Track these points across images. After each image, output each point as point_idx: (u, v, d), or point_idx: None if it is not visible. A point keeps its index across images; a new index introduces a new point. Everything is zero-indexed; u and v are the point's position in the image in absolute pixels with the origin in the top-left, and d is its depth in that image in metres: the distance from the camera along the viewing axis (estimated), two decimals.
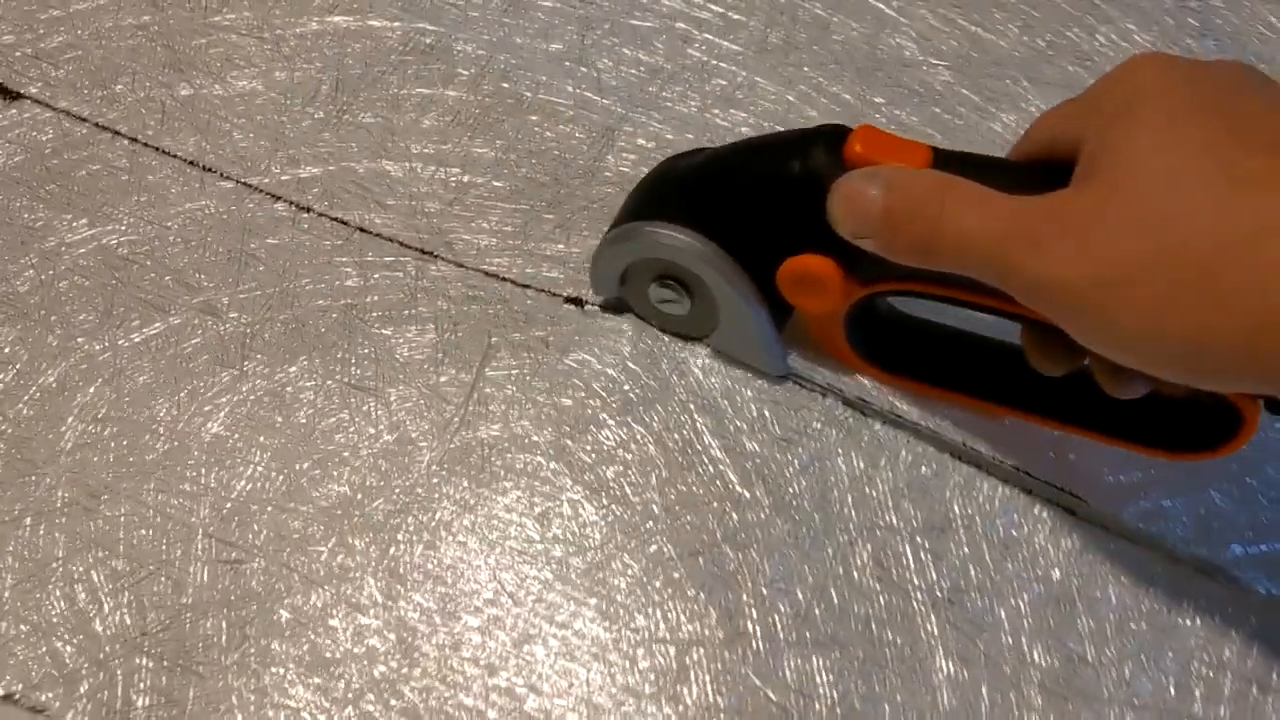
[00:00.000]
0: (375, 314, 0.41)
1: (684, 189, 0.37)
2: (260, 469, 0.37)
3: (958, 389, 0.38)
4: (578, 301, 0.41)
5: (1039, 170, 0.31)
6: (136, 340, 0.40)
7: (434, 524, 0.37)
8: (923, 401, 0.38)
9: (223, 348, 0.40)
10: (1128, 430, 0.36)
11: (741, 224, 0.36)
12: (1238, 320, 0.26)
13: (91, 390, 0.39)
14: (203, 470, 0.37)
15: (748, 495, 0.37)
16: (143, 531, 0.36)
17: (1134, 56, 0.30)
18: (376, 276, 0.41)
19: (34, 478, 0.37)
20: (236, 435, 0.38)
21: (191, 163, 0.44)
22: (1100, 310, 0.27)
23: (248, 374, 0.39)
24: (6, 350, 0.39)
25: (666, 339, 0.40)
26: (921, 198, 0.30)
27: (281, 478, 0.37)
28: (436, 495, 0.37)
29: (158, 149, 0.44)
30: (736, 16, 0.49)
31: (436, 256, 0.42)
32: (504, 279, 0.41)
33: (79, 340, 0.40)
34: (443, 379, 0.39)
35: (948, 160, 0.32)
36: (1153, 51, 0.31)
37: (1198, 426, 0.34)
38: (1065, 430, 0.37)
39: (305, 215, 0.43)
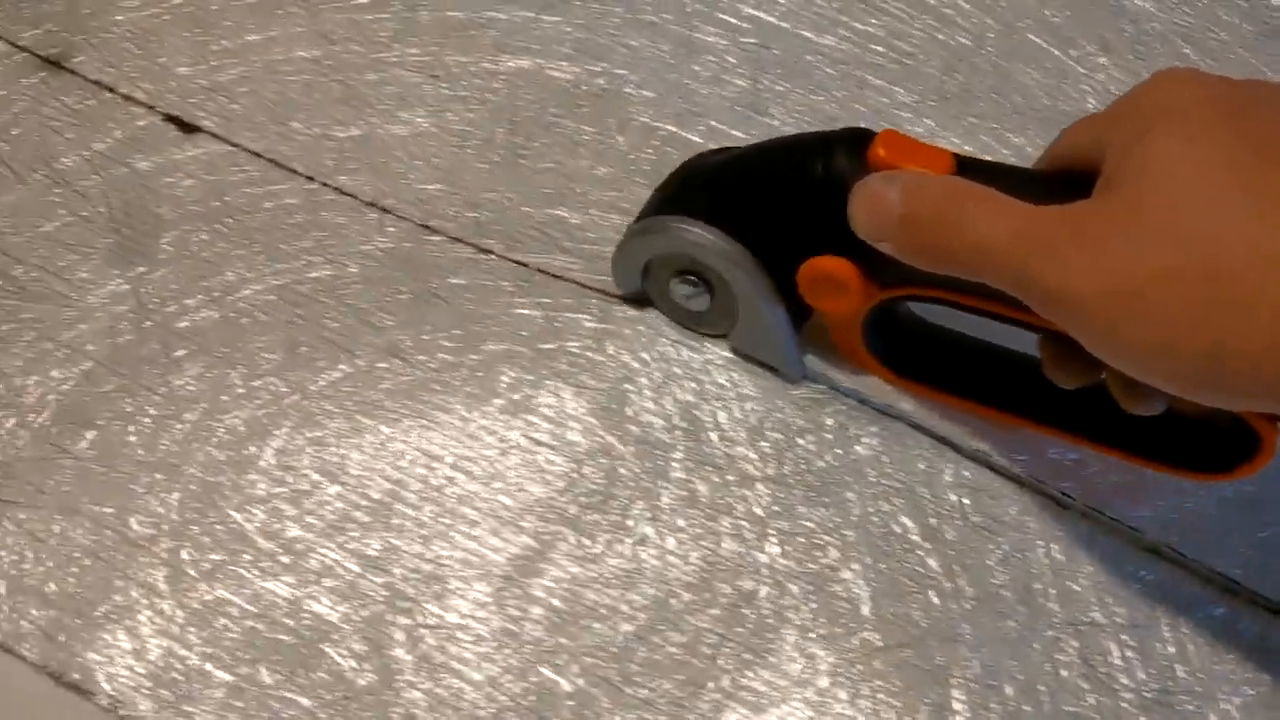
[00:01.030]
0: (564, 360, 0.39)
1: (708, 186, 0.37)
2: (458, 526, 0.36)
3: (973, 397, 0.38)
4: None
5: (1061, 181, 0.30)
6: (324, 383, 0.38)
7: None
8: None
9: (411, 393, 0.39)
10: (1143, 447, 0.35)
11: (763, 222, 0.35)
12: (1257, 339, 0.25)
13: (282, 434, 0.37)
14: (402, 522, 0.36)
15: (950, 585, 0.36)
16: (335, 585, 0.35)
17: (1161, 71, 0.30)
18: (561, 321, 0.40)
19: (225, 524, 0.36)
20: (436, 486, 0.37)
21: (370, 203, 0.43)
22: (1116, 323, 0.27)
23: (439, 423, 0.38)
24: (191, 387, 0.38)
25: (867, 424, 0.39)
26: (941, 203, 0.30)
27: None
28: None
29: (335, 188, 0.43)
30: (912, 63, 0.47)
31: (622, 299, 0.41)
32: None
33: (266, 379, 0.39)
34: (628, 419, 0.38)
35: (970, 167, 0.31)
36: (1181, 66, 0.30)
37: (1215, 447, 0.34)
38: (1079, 445, 0.36)
39: (487, 258, 0.42)
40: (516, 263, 0.41)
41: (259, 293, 0.40)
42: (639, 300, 0.41)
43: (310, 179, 0.43)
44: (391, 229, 0.42)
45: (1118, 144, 0.28)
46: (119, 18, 0.47)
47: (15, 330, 0.39)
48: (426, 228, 0.42)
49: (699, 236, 0.36)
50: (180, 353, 0.39)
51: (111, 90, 0.45)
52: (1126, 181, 0.27)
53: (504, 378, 0.39)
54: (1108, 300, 0.27)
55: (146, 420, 0.38)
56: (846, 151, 0.33)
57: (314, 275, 0.41)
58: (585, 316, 0.40)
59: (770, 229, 0.35)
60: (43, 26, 0.46)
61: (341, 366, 0.39)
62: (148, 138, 0.44)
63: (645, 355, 0.40)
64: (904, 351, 0.38)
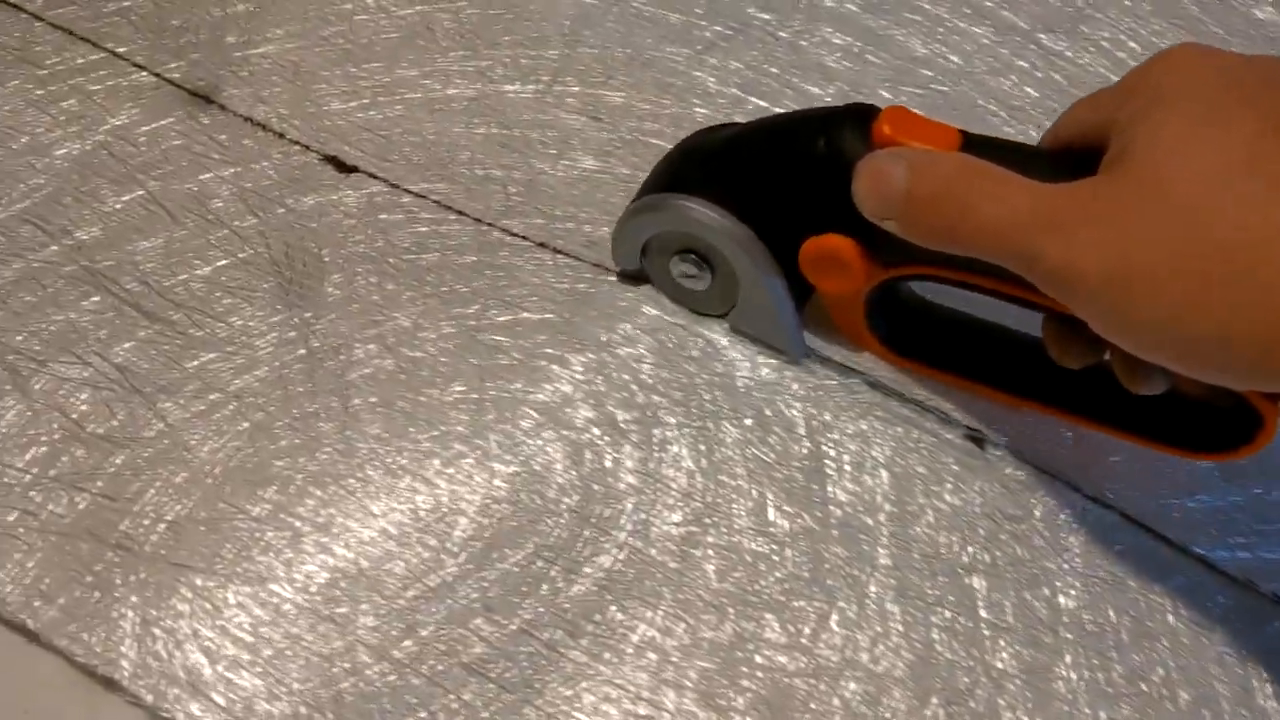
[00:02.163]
0: (750, 418, 0.36)
1: (709, 163, 0.36)
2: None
3: (974, 377, 0.36)
4: (977, 440, 0.36)
5: (1068, 158, 0.29)
6: (522, 432, 0.35)
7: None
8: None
9: (611, 438, 0.35)
10: (1146, 428, 0.34)
11: (765, 200, 0.34)
12: (1265, 316, 0.24)
13: (480, 503, 0.34)
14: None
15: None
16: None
17: (1171, 47, 0.28)
18: (744, 377, 0.37)
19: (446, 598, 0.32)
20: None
21: (541, 244, 0.40)
22: (1121, 302, 0.26)
23: (660, 477, 0.34)
24: (372, 443, 0.35)
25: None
26: (946, 181, 0.28)
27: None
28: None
29: (503, 229, 0.40)
30: None
31: (824, 359, 0.37)
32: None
33: (457, 428, 0.35)
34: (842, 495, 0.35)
35: (976, 145, 0.30)
36: (1191, 42, 0.29)
37: (1217, 427, 0.33)
38: (1082, 425, 0.35)
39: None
40: (700, 314, 0.38)
41: (436, 339, 0.37)
42: (637, 278, 0.39)
43: (478, 220, 0.40)
44: (566, 271, 0.39)
45: (1125, 121, 0.27)
46: (265, 50, 0.44)
47: (180, 379, 0.35)
48: (603, 267, 0.39)
49: (700, 214, 0.34)
50: (357, 402, 0.35)
51: (264, 127, 0.42)
52: (1135, 158, 0.26)
53: (734, 435, 0.36)
54: (1115, 278, 0.26)
55: (327, 479, 0.34)
56: (851, 128, 0.31)
57: (493, 319, 0.37)
58: (765, 368, 0.37)
59: (772, 207, 0.34)
60: (188, 58, 0.43)
61: (535, 416, 0.35)
62: (304, 177, 0.41)
63: (853, 430, 0.36)
64: (906, 331, 0.37)
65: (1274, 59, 0.28)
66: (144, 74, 0.43)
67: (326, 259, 0.39)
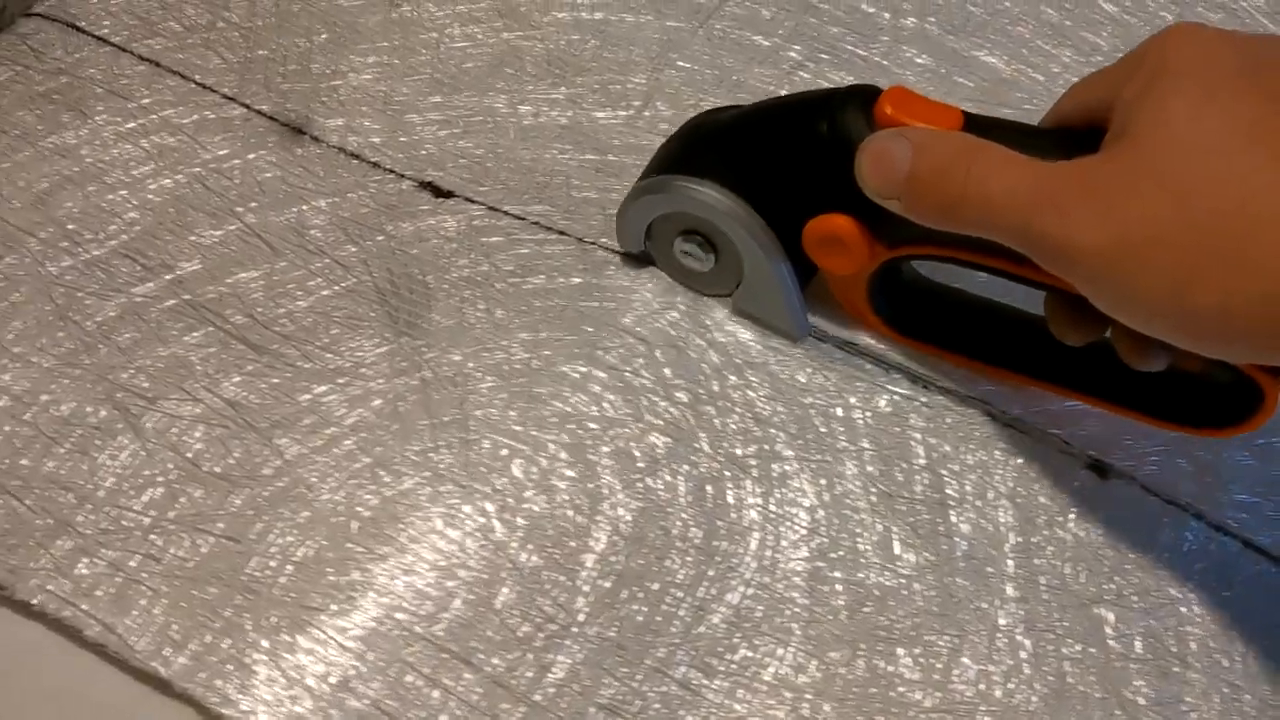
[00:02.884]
0: (868, 451, 0.35)
1: (713, 145, 0.35)
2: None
3: (979, 356, 0.36)
4: (1099, 469, 0.35)
5: (1070, 136, 0.29)
6: (642, 467, 0.34)
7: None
8: None
9: (732, 473, 0.34)
10: (1148, 404, 0.34)
11: (769, 181, 0.34)
12: (1265, 287, 0.24)
13: (607, 540, 0.33)
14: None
15: None
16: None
17: (1172, 25, 0.28)
18: (883, 399, 0.35)
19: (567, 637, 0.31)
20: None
21: (650, 262, 0.38)
22: (1123, 276, 0.26)
23: (783, 512, 0.33)
24: (506, 481, 0.33)
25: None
26: (948, 159, 0.28)
27: None
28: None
29: (608, 248, 0.38)
30: None
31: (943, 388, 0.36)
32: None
33: (601, 467, 0.34)
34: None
35: (978, 124, 0.30)
36: (1191, 22, 0.29)
37: (1218, 402, 0.32)
38: (1085, 402, 0.35)
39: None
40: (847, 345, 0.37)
41: (549, 367, 0.36)
42: (641, 260, 0.38)
43: (580, 239, 0.39)
44: (675, 296, 0.37)
45: (1127, 99, 0.27)
46: (354, 80, 0.43)
47: (293, 414, 0.34)
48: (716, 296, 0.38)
49: (704, 195, 0.34)
50: (475, 435, 0.34)
51: (357, 157, 0.41)
52: (1136, 135, 0.26)
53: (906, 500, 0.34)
54: (1116, 252, 0.25)
55: (451, 515, 0.33)
56: (853, 109, 0.31)
57: (606, 343, 0.36)
58: (883, 399, 0.36)
59: (776, 188, 0.33)
60: (277, 90, 0.42)
61: (685, 468, 0.34)
62: (401, 204, 0.39)
63: (974, 461, 0.35)
64: (909, 311, 0.36)
65: (1274, 37, 0.27)
66: (234, 106, 0.42)
67: (431, 285, 0.37)
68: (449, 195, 0.40)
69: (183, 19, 0.44)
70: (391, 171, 0.40)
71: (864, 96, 0.31)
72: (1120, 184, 0.26)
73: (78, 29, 0.44)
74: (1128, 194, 0.25)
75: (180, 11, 0.44)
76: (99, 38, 0.44)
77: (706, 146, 0.35)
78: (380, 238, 0.39)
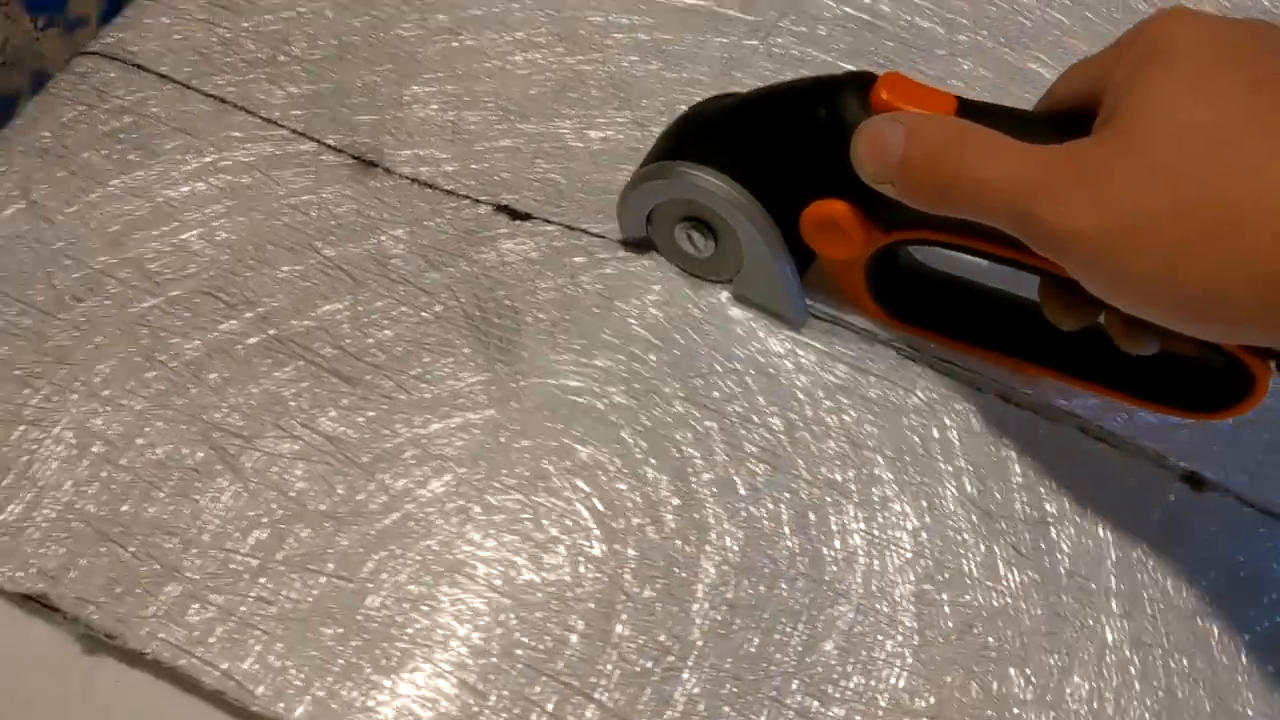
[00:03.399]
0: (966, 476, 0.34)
1: (713, 131, 0.35)
2: None
3: (975, 342, 0.36)
4: (1195, 482, 0.34)
5: (1063, 120, 0.29)
6: (745, 495, 0.33)
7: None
8: None
9: (833, 498, 0.33)
10: (1140, 388, 0.34)
11: (767, 167, 0.34)
12: (1254, 268, 0.24)
13: (716, 571, 0.32)
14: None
15: None
16: None
17: (1164, 10, 0.28)
18: (975, 418, 0.35)
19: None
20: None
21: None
22: (1114, 261, 0.25)
23: (887, 536, 0.33)
24: (610, 515, 0.33)
25: None
26: (942, 144, 0.28)
27: None
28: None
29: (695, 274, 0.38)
30: None
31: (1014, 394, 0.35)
32: None
33: (710, 507, 0.33)
34: None
35: (973, 110, 0.30)
36: (1182, 6, 0.29)
37: (1210, 386, 0.33)
38: (1080, 386, 0.35)
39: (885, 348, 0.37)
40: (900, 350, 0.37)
41: (648, 389, 0.35)
42: (641, 246, 0.38)
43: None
44: (768, 321, 0.37)
45: (1118, 83, 0.27)
46: (422, 112, 0.42)
47: (395, 448, 0.33)
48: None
49: (703, 181, 0.34)
50: (588, 473, 0.33)
51: (431, 186, 0.40)
52: (1126, 118, 0.26)
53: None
54: (1107, 235, 0.25)
55: (582, 556, 0.32)
56: (850, 94, 0.31)
57: (700, 366, 0.36)
58: (975, 418, 0.35)
59: (774, 173, 0.34)
60: (345, 123, 0.41)
61: (785, 498, 0.33)
62: (479, 228, 0.39)
63: (1073, 479, 0.34)
64: (906, 296, 0.36)
65: (1264, 23, 0.27)
66: (304, 141, 0.41)
67: (519, 308, 0.37)
68: (527, 217, 0.39)
69: (243, 54, 0.43)
70: (466, 197, 0.40)
71: (860, 82, 0.31)
72: (1109, 167, 0.25)
73: (138, 67, 0.43)
74: (1116, 177, 0.25)
75: (240, 46, 0.44)
76: (160, 75, 0.43)
77: (706, 133, 0.35)
78: (462, 263, 0.38)
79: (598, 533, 0.32)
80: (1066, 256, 0.26)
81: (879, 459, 0.34)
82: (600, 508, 0.33)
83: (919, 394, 0.36)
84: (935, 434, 0.35)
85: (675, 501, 0.33)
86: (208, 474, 0.33)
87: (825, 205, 0.32)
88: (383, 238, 0.39)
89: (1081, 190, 0.26)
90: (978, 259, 0.32)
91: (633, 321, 0.37)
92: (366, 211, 0.39)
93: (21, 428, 0.34)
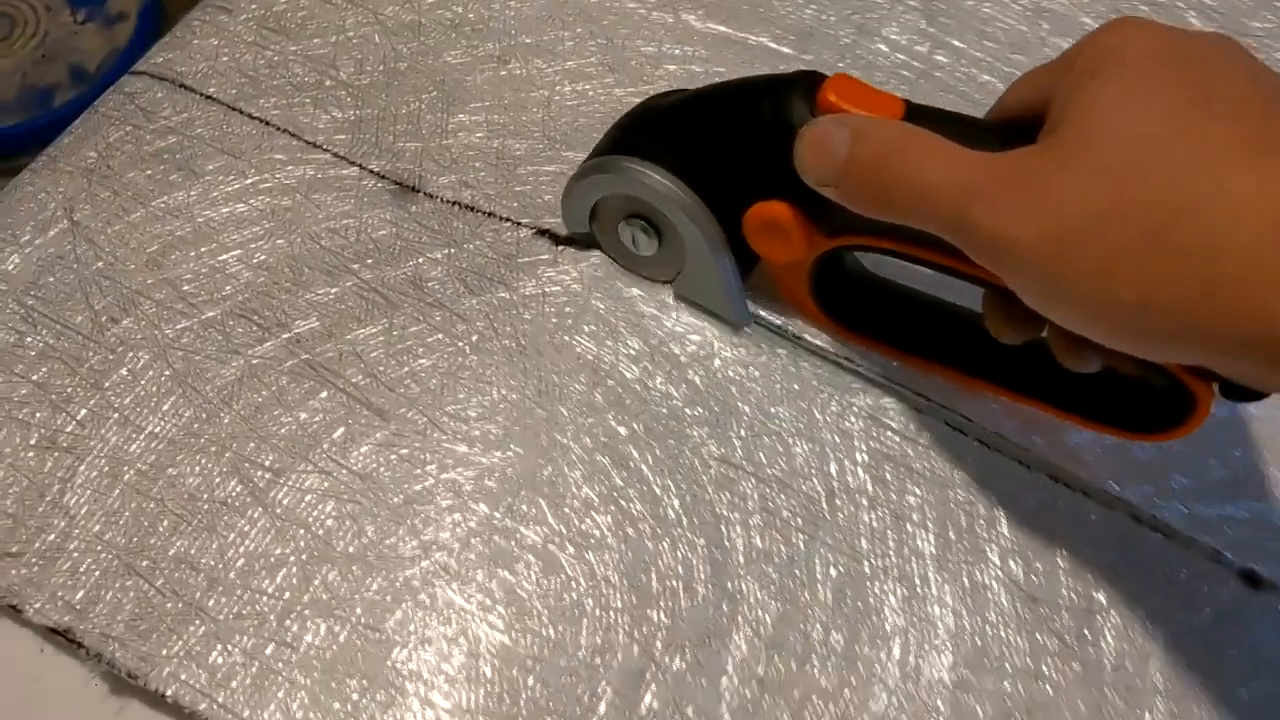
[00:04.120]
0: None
1: (658, 127, 0.34)
2: None
3: (917, 353, 0.34)
4: (1252, 580, 0.32)
5: (1009, 129, 0.28)
6: (781, 565, 0.31)
7: None
8: None
9: (870, 573, 0.31)
10: (1083, 406, 0.33)
11: (711, 166, 0.33)
12: (1185, 282, 0.23)
13: (748, 645, 0.30)
14: None
15: None
16: None
17: (1115, 19, 0.27)
18: (1030, 499, 0.32)
19: None
20: None
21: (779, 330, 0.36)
22: (1048, 270, 0.25)
23: (925, 616, 0.30)
24: (643, 578, 0.31)
25: None
26: (884, 147, 0.27)
27: None
28: None
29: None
30: None
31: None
32: None
33: (745, 580, 0.31)
34: None
35: (920, 114, 0.29)
36: (1131, 15, 0.27)
37: (1153, 406, 0.31)
38: (1021, 403, 0.33)
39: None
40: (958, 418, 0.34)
41: (692, 447, 0.33)
42: (585, 242, 0.37)
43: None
44: (809, 382, 0.35)
45: (1063, 91, 0.26)
46: (466, 139, 0.40)
47: (429, 490, 0.31)
48: (854, 372, 0.35)
49: (645, 177, 0.33)
50: (628, 530, 0.31)
51: (472, 209, 0.38)
52: (1069, 128, 0.25)
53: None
54: (1042, 245, 0.24)
55: (613, 620, 0.30)
56: (796, 95, 0.30)
57: (741, 425, 0.33)
58: (1028, 499, 0.32)
59: (718, 172, 0.32)
60: (389, 148, 0.40)
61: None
62: (519, 252, 0.37)
63: (1121, 571, 0.32)
64: (849, 303, 0.35)
65: (1212, 35, 0.26)
66: (346, 165, 0.40)
67: (562, 342, 0.35)
68: (569, 242, 0.37)
69: (290, 77, 0.42)
70: (507, 219, 0.38)
71: (808, 83, 0.30)
72: (1049, 177, 0.25)
73: (185, 88, 0.42)
74: (1053, 186, 0.25)
75: (287, 69, 0.42)
76: (207, 96, 0.42)
77: (652, 129, 0.34)
78: (501, 290, 0.36)
79: (632, 598, 0.30)
80: (1002, 265, 0.26)
81: (921, 534, 0.32)
82: (633, 569, 0.31)
83: (967, 468, 0.33)
84: (981, 511, 0.32)
85: (708, 568, 0.31)
86: (236, 508, 0.31)
87: (768, 206, 0.31)
88: (420, 260, 0.37)
89: (1019, 197, 0.25)
90: (923, 268, 0.31)
91: (690, 348, 0.35)
92: (405, 235, 0.38)
93: (56, 455, 0.33)
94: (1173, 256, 0.23)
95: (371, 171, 0.39)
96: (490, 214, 0.38)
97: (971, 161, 0.26)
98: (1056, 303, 0.25)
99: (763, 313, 0.35)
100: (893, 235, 0.29)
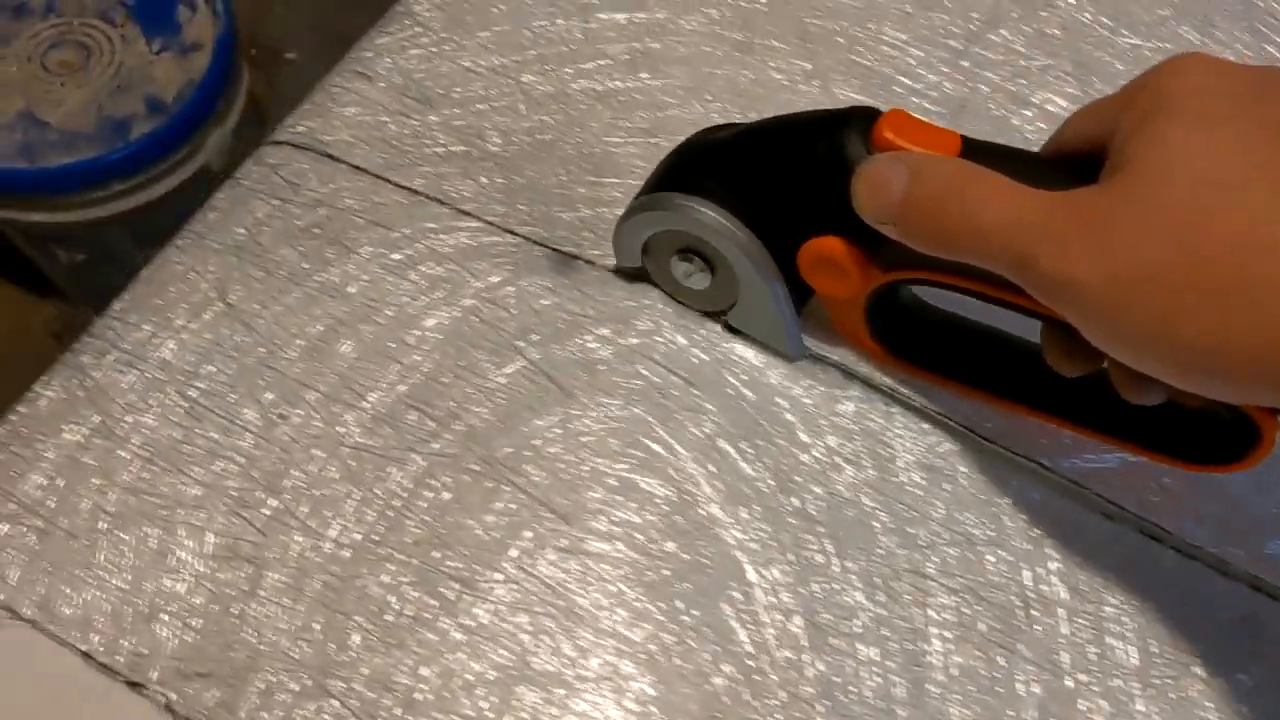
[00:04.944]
0: None
1: (712, 163, 0.33)
2: None
3: (975, 385, 0.33)
4: None
5: (1068, 166, 0.27)
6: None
7: None
8: None
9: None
10: (1144, 437, 0.32)
11: (766, 201, 0.32)
12: (1256, 327, 0.22)
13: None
14: None
15: None
16: None
17: (1175, 56, 0.26)
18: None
19: None
20: None
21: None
22: (1113, 312, 0.24)
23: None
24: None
25: None
26: (944, 186, 0.27)
27: None
28: None
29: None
30: None
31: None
32: None
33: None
34: None
35: (977, 150, 0.28)
36: (1195, 51, 0.26)
37: (1216, 438, 0.30)
38: (1082, 434, 0.32)
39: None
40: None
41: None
42: (637, 276, 0.36)
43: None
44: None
45: (1125, 129, 0.25)
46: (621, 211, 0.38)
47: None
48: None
49: (700, 214, 0.32)
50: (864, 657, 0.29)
51: (638, 278, 0.36)
52: (1133, 167, 0.24)
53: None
54: (1109, 287, 0.24)
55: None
56: (852, 131, 0.29)
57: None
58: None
59: (772, 208, 0.32)
60: (545, 219, 0.37)
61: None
62: (691, 325, 0.35)
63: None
64: (905, 335, 0.34)
65: (1272, 69, 0.25)
66: (500, 233, 0.37)
67: (777, 437, 0.32)
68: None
69: (434, 145, 0.40)
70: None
71: (863, 119, 0.29)
72: (1113, 217, 0.24)
73: (330, 157, 0.40)
74: (1120, 227, 0.24)
75: (431, 138, 0.40)
76: (354, 166, 0.40)
77: (705, 164, 0.34)
78: (683, 372, 0.34)
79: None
80: (1067, 306, 0.25)
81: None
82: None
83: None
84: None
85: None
86: (426, 623, 0.29)
87: (823, 242, 0.31)
88: (587, 338, 0.35)
89: (1085, 239, 0.24)
90: (979, 301, 0.30)
91: (902, 448, 0.32)
92: (569, 306, 0.35)
93: (235, 564, 0.31)
94: (1242, 302, 0.23)
95: (526, 238, 0.37)
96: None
97: (1033, 200, 0.25)
98: (1123, 345, 0.25)
99: (822, 350, 0.35)
100: (951, 270, 0.29)
